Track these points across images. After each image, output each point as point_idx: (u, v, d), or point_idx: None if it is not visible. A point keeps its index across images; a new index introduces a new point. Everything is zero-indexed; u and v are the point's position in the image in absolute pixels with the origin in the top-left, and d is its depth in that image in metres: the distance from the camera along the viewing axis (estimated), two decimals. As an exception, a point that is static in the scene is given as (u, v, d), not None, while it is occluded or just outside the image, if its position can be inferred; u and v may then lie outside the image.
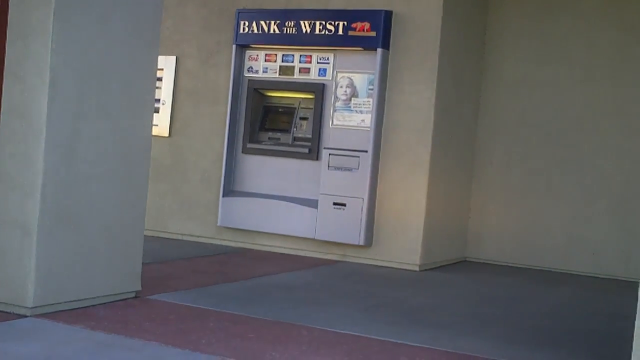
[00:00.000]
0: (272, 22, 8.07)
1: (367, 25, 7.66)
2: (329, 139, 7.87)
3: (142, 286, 5.38)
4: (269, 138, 8.22)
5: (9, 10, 4.68)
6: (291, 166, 8.04)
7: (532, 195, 8.47)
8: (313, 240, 7.92)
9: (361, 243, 7.67)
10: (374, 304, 5.87)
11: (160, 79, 8.48)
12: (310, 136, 7.97)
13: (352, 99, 7.78)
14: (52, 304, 4.70)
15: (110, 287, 5.10)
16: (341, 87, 7.83)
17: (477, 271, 8.02)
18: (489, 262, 8.59)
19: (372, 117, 7.66)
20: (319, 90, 7.92)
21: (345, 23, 7.74)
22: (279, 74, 8.14)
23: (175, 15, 8.64)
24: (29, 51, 4.61)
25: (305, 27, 7.93)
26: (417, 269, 7.61)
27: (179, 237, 8.55)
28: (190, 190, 8.53)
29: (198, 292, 5.74)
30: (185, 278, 6.28)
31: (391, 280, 7.04)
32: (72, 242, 4.79)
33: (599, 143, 8.26)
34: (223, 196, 8.20)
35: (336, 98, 7.85)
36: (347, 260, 7.82)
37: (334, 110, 7.86)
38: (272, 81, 8.17)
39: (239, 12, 8.25)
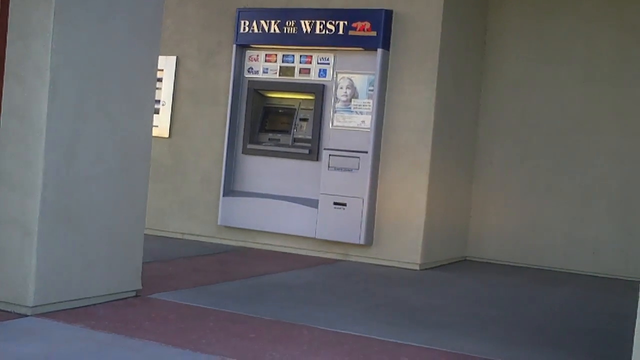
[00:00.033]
0: (273, 22, 8.08)
1: (367, 24, 7.66)
2: (329, 139, 7.87)
3: (142, 285, 5.38)
4: (269, 139, 8.22)
5: (9, 11, 4.69)
6: (291, 167, 8.04)
7: (532, 195, 8.48)
8: (313, 239, 7.93)
9: (362, 242, 7.67)
10: (375, 303, 5.87)
11: (160, 80, 8.49)
12: (310, 137, 7.97)
13: (352, 100, 7.78)
14: (53, 304, 4.70)
15: (110, 287, 5.11)
16: (341, 88, 7.83)
17: (477, 271, 8.02)
18: (489, 261, 8.59)
19: (372, 118, 7.66)
20: (319, 91, 7.92)
21: (346, 22, 7.74)
22: (279, 75, 8.14)
23: (175, 15, 8.64)
24: (29, 51, 4.62)
25: (305, 26, 7.93)
26: (417, 268, 7.61)
27: (179, 236, 8.56)
28: (191, 190, 8.53)
29: (198, 291, 5.74)
30: (186, 277, 6.28)
31: (391, 279, 7.04)
32: (73, 242, 4.79)
33: (599, 143, 8.26)
34: (223, 196, 8.21)
35: (336, 99, 7.85)
36: (348, 259, 7.82)
37: (334, 112, 7.86)
38: (272, 82, 8.18)
39: (239, 12, 8.26)
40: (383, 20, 7.61)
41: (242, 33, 8.22)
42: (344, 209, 7.72)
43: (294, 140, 8.08)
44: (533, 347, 4.91)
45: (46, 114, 4.55)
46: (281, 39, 8.07)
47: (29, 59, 4.62)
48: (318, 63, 7.96)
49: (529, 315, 5.98)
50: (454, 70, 7.96)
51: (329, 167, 7.81)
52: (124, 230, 5.17)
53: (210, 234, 8.40)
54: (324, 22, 7.84)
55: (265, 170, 8.15)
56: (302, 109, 8.11)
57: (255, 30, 8.15)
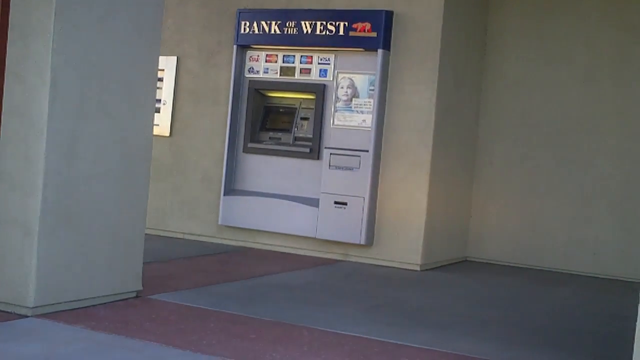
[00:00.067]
0: (273, 23, 8.07)
1: (368, 25, 7.66)
2: (330, 138, 7.87)
3: (142, 286, 5.38)
4: (269, 138, 8.22)
5: (10, 10, 4.68)
6: (292, 166, 8.04)
7: (533, 195, 8.47)
8: (314, 239, 7.92)
9: (362, 242, 7.67)
10: (375, 304, 5.87)
11: (161, 79, 8.48)
12: (311, 136, 7.97)
13: (353, 99, 7.78)
14: (53, 304, 4.70)
15: (111, 287, 5.11)
16: (342, 87, 7.83)
17: (477, 271, 8.02)
18: (489, 262, 8.59)
19: (373, 118, 7.66)
20: (319, 91, 7.92)
21: (346, 23, 7.74)
22: (280, 75, 8.14)
23: (176, 15, 8.64)
24: (30, 51, 4.62)
25: (306, 27, 7.93)
26: (417, 268, 7.61)
27: (180, 236, 8.56)
28: (191, 190, 8.53)
29: (199, 291, 5.74)
30: (186, 277, 6.28)
31: (392, 280, 7.04)
32: (73, 242, 4.79)
33: (599, 143, 8.26)
34: (224, 195, 8.21)
35: (337, 99, 7.85)
36: (348, 259, 7.82)
37: (335, 111, 7.86)
38: (273, 82, 8.17)
39: (239, 12, 8.25)
40: (383, 21, 7.61)
41: (242, 34, 8.22)
42: (344, 208, 7.72)
43: (295, 139, 8.08)
44: (533, 347, 4.90)
45: (47, 113, 4.56)
46: (282, 40, 8.06)
47: (30, 58, 4.62)
48: (319, 63, 7.96)
49: (529, 315, 5.98)
50: (454, 70, 7.96)
51: (329, 165, 7.81)
52: (124, 230, 5.17)
53: (210, 234, 8.40)
54: (324, 23, 7.84)
55: (265, 169, 8.15)
56: (302, 108, 8.11)
57: (256, 31, 8.15)
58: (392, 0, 7.71)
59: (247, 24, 8.19)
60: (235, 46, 8.25)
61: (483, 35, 8.67)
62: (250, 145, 8.20)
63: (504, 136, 8.59)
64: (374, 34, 7.63)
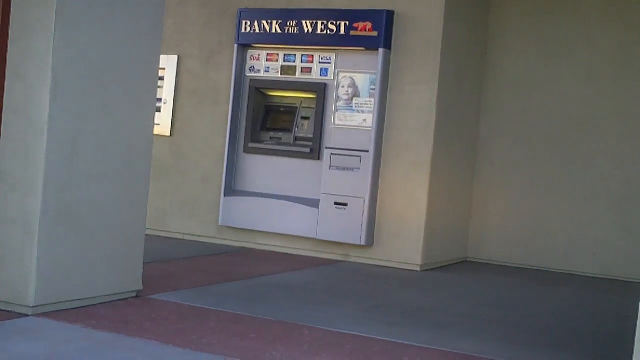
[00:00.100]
0: (274, 22, 8.07)
1: (369, 25, 7.66)
2: (331, 138, 7.87)
3: (143, 285, 5.38)
4: (270, 138, 8.21)
5: (11, 9, 4.68)
6: (292, 166, 8.03)
7: (533, 195, 8.47)
8: (314, 240, 7.92)
9: (362, 243, 7.67)
10: (375, 304, 5.87)
11: (161, 79, 8.48)
12: (311, 136, 7.97)
13: (354, 98, 7.78)
14: (53, 303, 4.70)
15: (111, 287, 5.10)
16: (343, 87, 7.83)
17: (478, 271, 8.02)
18: (490, 262, 8.58)
19: (373, 117, 7.66)
20: (320, 90, 7.92)
21: (347, 23, 7.73)
22: (281, 74, 8.14)
23: (176, 14, 8.64)
24: (31, 50, 4.62)
25: (307, 26, 7.93)
26: (418, 269, 7.61)
27: (180, 236, 8.56)
28: (192, 190, 8.53)
29: (199, 291, 5.74)
30: (187, 277, 6.28)
31: (392, 280, 7.04)
32: (73, 242, 4.79)
33: (599, 143, 8.25)
34: (224, 196, 8.21)
35: (338, 98, 7.85)
36: (349, 260, 7.82)
37: (336, 110, 7.86)
38: (273, 81, 8.17)
39: (240, 12, 8.25)
40: (384, 21, 7.61)
41: (243, 33, 8.22)
42: (344, 209, 7.71)
43: (296, 139, 8.08)
44: (533, 347, 4.90)
45: (47, 112, 4.55)
46: (283, 39, 8.06)
47: (31, 57, 4.62)
48: (320, 62, 7.96)
49: (529, 315, 5.98)
50: (455, 69, 7.96)
51: (330, 166, 7.81)
52: (125, 230, 5.17)
53: (211, 234, 8.40)
54: (325, 22, 7.84)
55: (266, 169, 8.15)
56: (303, 107, 8.11)
57: (257, 31, 8.15)
58: (393, -1, 7.73)
59: (248, 23, 8.18)
60: (236, 45, 8.25)
61: (484, 35, 8.67)
62: (251, 145, 8.19)
63: (504, 135, 8.59)
64: (375, 34, 7.63)
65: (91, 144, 4.85)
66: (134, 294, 5.31)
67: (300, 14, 7.98)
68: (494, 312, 5.91)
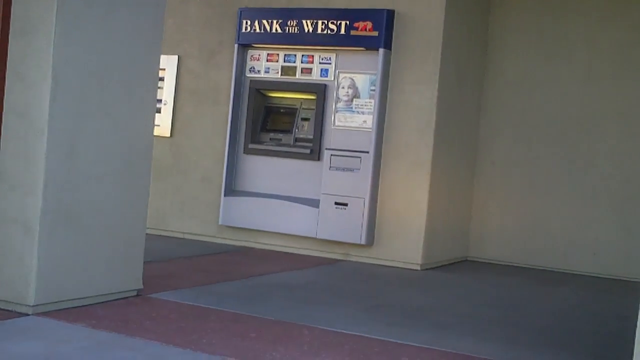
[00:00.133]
0: (275, 21, 8.07)
1: (369, 24, 7.66)
2: (331, 139, 7.87)
3: (143, 285, 5.39)
4: (270, 139, 8.21)
5: (11, 9, 4.69)
6: (292, 167, 8.03)
7: (533, 195, 8.47)
8: (314, 239, 7.92)
9: (363, 242, 7.67)
10: (376, 303, 5.87)
11: (162, 79, 8.48)
12: (311, 137, 7.97)
13: (354, 99, 7.78)
14: (54, 303, 4.70)
15: (111, 286, 5.11)
16: (343, 87, 7.83)
17: (478, 271, 8.01)
18: (490, 261, 8.59)
19: (373, 118, 7.66)
20: (320, 91, 7.92)
21: (348, 22, 7.74)
22: (281, 74, 8.14)
23: (177, 14, 8.64)
24: (31, 49, 4.62)
25: (307, 26, 7.93)
26: (418, 268, 7.61)
27: (180, 236, 8.56)
28: (192, 190, 8.53)
29: (199, 290, 5.74)
30: (187, 277, 6.28)
31: (392, 279, 7.04)
32: (74, 241, 4.79)
33: (600, 143, 8.26)
34: (224, 196, 8.21)
35: (338, 99, 7.85)
36: (349, 259, 7.82)
37: (336, 111, 7.86)
38: (274, 81, 8.17)
39: (241, 11, 8.25)
40: (385, 20, 7.61)
41: (243, 33, 8.22)
42: (345, 209, 7.72)
43: (296, 140, 8.08)
44: (533, 347, 4.90)
45: (47, 112, 4.56)
46: (283, 39, 8.06)
47: (31, 57, 4.62)
48: (320, 63, 7.96)
49: (529, 315, 5.98)
50: (455, 69, 7.96)
51: (330, 167, 7.81)
52: (125, 230, 5.17)
53: (211, 234, 8.40)
54: (325, 22, 7.84)
55: (266, 170, 8.15)
56: (303, 108, 8.11)
57: (257, 30, 8.15)
58: (393, -1, 7.73)
59: (249, 23, 8.19)
60: (236, 45, 8.25)
61: (484, 34, 8.67)
62: (251, 146, 8.19)
63: (504, 135, 8.59)
64: (375, 33, 7.63)
65: (91, 144, 4.85)
66: (134, 293, 5.31)
67: (300, 13, 7.98)
68: (494, 312, 5.91)
